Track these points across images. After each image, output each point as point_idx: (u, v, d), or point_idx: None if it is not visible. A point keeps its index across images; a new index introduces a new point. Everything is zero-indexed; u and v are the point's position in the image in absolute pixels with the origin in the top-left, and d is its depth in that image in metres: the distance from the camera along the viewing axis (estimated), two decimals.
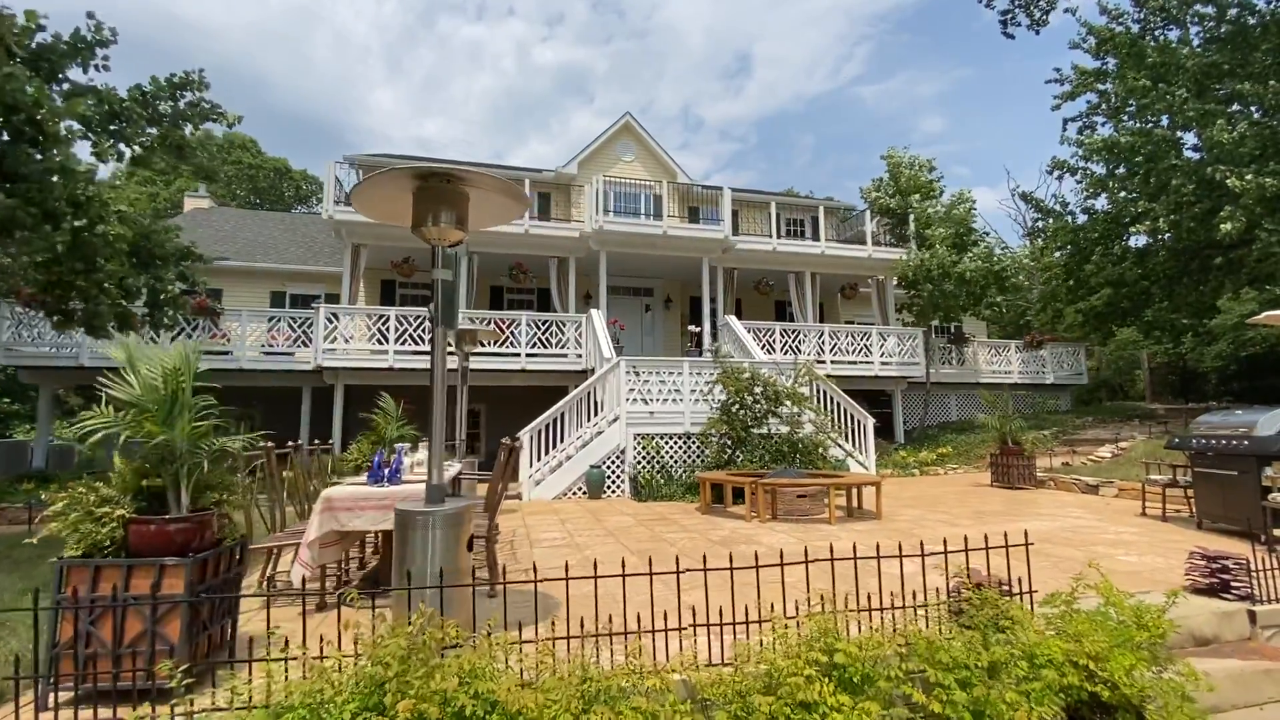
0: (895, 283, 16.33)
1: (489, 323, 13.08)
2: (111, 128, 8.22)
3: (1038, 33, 19.76)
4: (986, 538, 3.49)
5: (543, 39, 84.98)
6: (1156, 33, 14.83)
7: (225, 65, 61.82)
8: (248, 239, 18.43)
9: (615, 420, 9.97)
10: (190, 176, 10.52)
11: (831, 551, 3.32)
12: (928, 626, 2.96)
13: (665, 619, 2.89)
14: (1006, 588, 3.40)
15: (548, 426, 9.82)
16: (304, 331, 13.32)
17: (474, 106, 76.88)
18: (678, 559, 3.29)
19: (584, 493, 9.58)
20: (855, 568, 3.18)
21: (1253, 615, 3.69)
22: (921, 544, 3.38)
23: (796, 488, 7.31)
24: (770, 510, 7.39)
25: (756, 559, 3.24)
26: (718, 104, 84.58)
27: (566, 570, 3.07)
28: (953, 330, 18.18)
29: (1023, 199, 17.37)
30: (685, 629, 2.88)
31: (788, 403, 9.28)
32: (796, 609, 2.92)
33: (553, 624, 3.02)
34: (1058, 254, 16.05)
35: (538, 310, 15.31)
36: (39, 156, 6.55)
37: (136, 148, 8.38)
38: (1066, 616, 2.87)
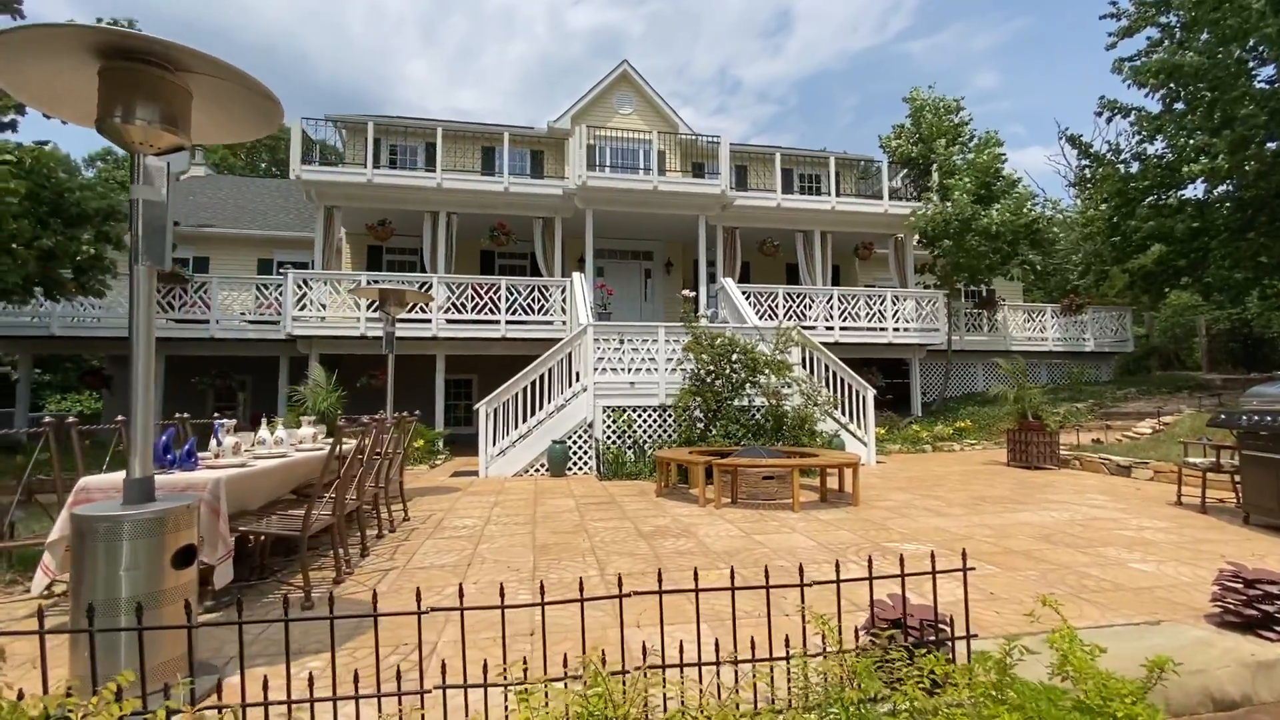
0: (916, 241, 14.87)
1: (465, 288, 12.30)
2: None
3: None
4: (949, 554, 2.51)
5: (575, 2, 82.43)
6: None
7: (268, 44, 61.98)
8: (240, 206, 18.00)
9: (583, 392, 9.11)
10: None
11: (696, 579, 2.40)
12: (799, 689, 2.03)
13: (446, 670, 2.04)
14: (940, 626, 2.44)
15: (509, 401, 9.02)
16: (277, 299, 12.78)
17: (507, 75, 75.39)
18: (543, 584, 2.42)
19: (545, 470, 8.80)
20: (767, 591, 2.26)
21: None
22: (798, 569, 2.42)
23: (760, 468, 6.34)
24: (730, 494, 6.46)
25: (582, 590, 2.34)
26: (756, 64, 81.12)
27: (375, 600, 2.19)
28: (983, 293, 16.65)
29: (1069, 142, 15.50)
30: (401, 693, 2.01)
31: (767, 371, 8.24)
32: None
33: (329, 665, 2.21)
34: (1103, 206, 14.30)
35: (530, 275, 14.47)
36: None
37: None
38: (1000, 688, 1.90)
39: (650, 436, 9.11)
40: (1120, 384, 14.91)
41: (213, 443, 3.68)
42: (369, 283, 10.96)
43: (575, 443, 8.99)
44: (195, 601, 2.48)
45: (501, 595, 2.04)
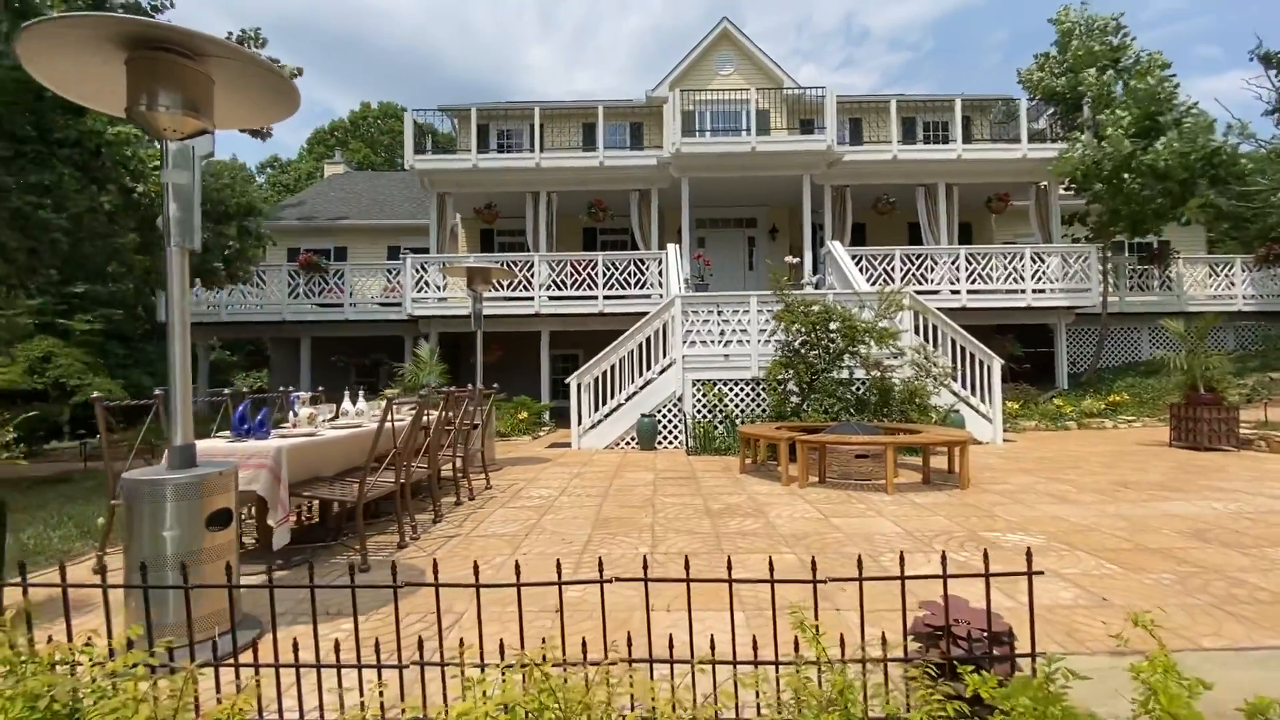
0: (1064, 188, 12.94)
1: (564, 265, 12.50)
2: None
3: None
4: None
5: None
6: None
7: (405, 48, 66.96)
8: (372, 199, 19.60)
9: (672, 365, 8.95)
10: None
11: (687, 569, 2.19)
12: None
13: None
14: (1000, 637, 2.02)
15: (600, 376, 9.08)
16: (399, 283, 13.78)
17: (623, 51, 75.87)
18: (518, 565, 2.36)
19: (635, 443, 8.78)
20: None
21: None
22: (812, 564, 2.11)
23: (850, 446, 5.84)
24: (818, 473, 6.03)
25: (560, 572, 2.21)
26: (885, 8, 74.90)
27: (352, 572, 2.24)
28: (1155, 246, 14.23)
29: (1262, 62, 12.65)
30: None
31: (868, 340, 7.55)
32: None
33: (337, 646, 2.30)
34: None
35: (631, 250, 14.44)
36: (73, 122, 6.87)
37: None
38: None
39: (742, 411, 8.77)
40: None
41: (290, 413, 3.97)
42: (474, 261, 11.47)
43: (664, 416, 8.87)
44: (235, 561, 2.65)
45: (476, 574, 1.95)
